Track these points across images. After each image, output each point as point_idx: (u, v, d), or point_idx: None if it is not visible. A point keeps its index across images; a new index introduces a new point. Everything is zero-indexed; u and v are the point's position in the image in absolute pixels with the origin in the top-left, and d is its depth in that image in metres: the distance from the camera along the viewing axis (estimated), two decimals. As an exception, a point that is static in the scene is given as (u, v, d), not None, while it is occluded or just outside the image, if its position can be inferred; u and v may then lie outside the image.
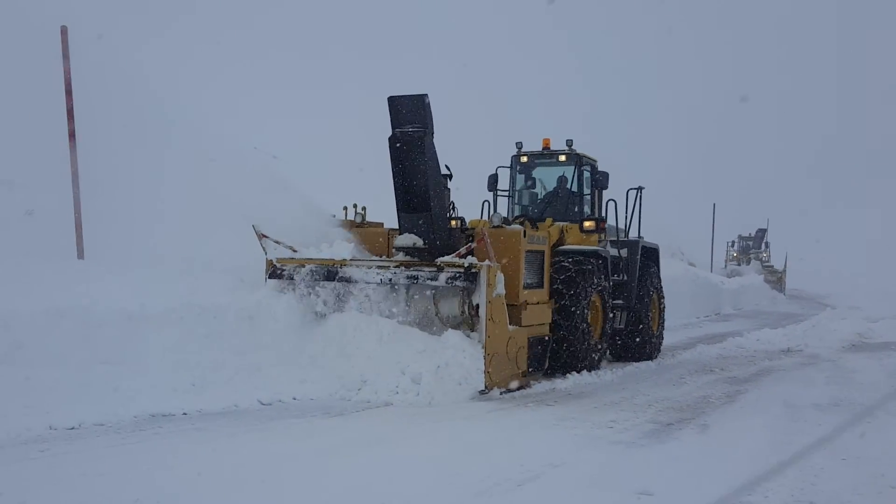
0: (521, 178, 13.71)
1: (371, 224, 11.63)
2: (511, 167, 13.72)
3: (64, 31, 10.35)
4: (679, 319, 23.32)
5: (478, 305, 9.36)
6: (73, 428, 6.95)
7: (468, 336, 9.46)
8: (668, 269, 25.96)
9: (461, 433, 7.39)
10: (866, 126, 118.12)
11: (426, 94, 9.79)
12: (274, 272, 10.39)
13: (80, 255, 10.52)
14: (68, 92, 10.30)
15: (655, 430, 7.77)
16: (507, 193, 13.75)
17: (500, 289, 9.48)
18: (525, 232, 10.51)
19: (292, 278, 10.20)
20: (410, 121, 9.84)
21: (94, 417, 7.19)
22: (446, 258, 9.62)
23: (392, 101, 9.95)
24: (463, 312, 9.62)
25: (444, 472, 6.03)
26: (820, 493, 5.80)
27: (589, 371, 11.37)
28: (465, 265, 9.39)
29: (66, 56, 10.32)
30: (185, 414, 7.70)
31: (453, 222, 10.79)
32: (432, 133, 9.89)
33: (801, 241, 54.53)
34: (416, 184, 9.97)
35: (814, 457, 6.88)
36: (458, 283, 9.37)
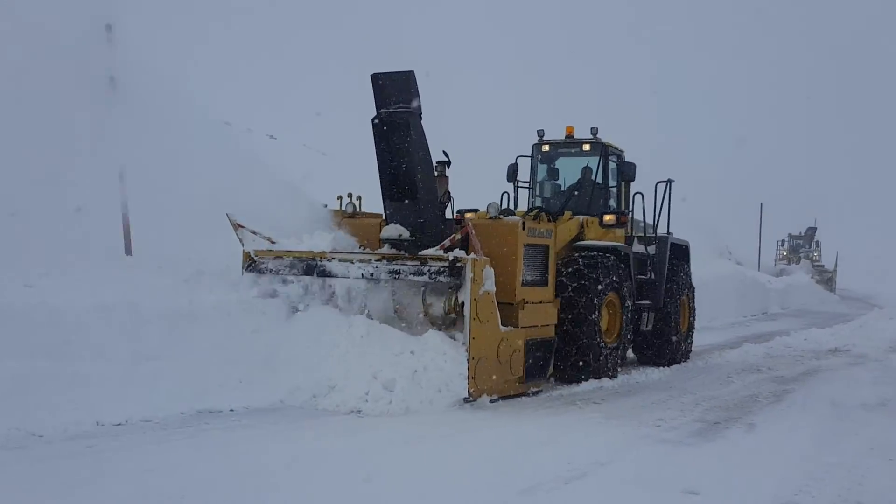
0: (542, 169, 12.37)
1: (366, 215, 10.41)
2: (532, 157, 12.40)
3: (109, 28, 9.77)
4: (726, 318, 22.73)
5: (463, 303, 8.15)
6: (119, 424, 6.74)
7: (452, 338, 8.23)
8: (715, 268, 25.71)
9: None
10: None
11: (412, 71, 8.62)
12: (251, 265, 9.30)
13: (128, 250, 10.20)
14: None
15: (703, 429, 7.55)
16: (527, 185, 12.48)
17: (489, 285, 8.21)
18: (524, 224, 9.15)
19: (270, 272, 9.15)
20: (396, 100, 8.65)
21: (141, 413, 6.98)
22: (429, 251, 8.39)
23: (376, 78, 8.75)
24: (448, 311, 8.39)
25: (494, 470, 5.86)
26: (867, 492, 5.59)
27: (598, 377, 10.05)
28: (450, 259, 8.12)
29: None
30: (232, 410, 7.45)
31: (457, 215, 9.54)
32: (420, 113, 8.67)
33: (852, 241, 53.52)
34: (402, 169, 8.75)
35: (861, 457, 6.66)
36: (441, 278, 8.14)
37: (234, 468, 5.67)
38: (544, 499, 5.22)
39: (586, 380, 9.96)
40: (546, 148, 12.31)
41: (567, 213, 11.13)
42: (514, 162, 12.34)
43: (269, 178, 9.97)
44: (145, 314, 8.04)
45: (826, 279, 42.61)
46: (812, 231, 51.38)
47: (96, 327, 7.65)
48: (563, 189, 12.29)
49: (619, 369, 10.76)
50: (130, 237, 10.36)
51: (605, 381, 10.17)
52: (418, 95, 8.67)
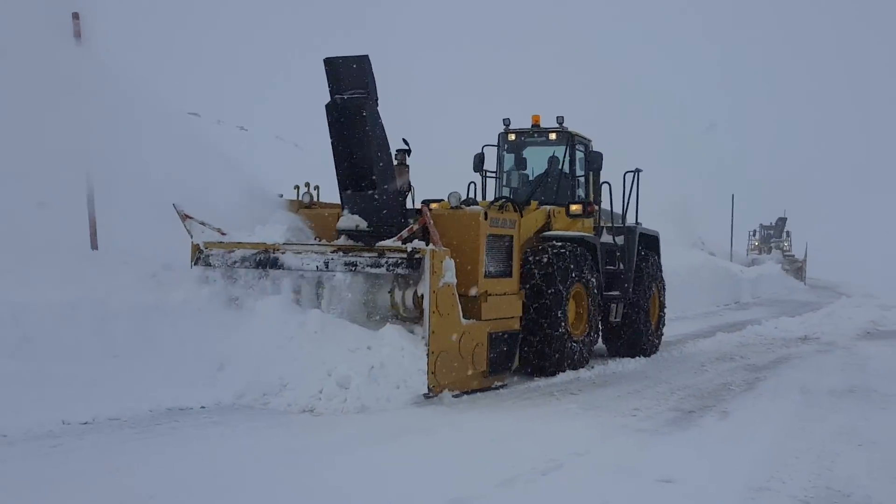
0: (509, 158, 12.10)
1: (324, 205, 10.05)
2: (498, 146, 12.12)
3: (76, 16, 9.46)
4: (699, 308, 22.83)
5: (422, 296, 7.83)
6: (86, 423, 6.50)
7: (412, 332, 7.92)
8: (688, 259, 25.90)
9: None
10: (886, 114, 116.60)
11: (367, 55, 8.33)
12: (201, 258, 8.90)
13: (94, 245, 9.93)
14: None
15: (678, 418, 7.59)
16: (495, 175, 12.21)
17: (449, 277, 7.93)
18: (486, 214, 8.81)
19: (220, 264, 8.74)
20: (351, 86, 8.35)
21: (109, 412, 6.74)
22: (386, 242, 8.08)
23: (329, 62, 8.43)
24: (406, 304, 8.08)
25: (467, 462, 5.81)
26: (836, 478, 5.68)
27: (564, 370, 9.90)
28: (408, 250, 7.82)
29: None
30: (203, 407, 7.21)
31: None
32: (376, 100, 8.35)
33: (822, 231, 54.12)
34: (358, 158, 8.46)
35: (830, 442, 6.74)
36: (399, 270, 7.83)
37: (205, 467, 5.55)
38: (522, 490, 5.22)
39: (553, 374, 9.76)
40: (512, 137, 12.05)
41: (533, 203, 10.91)
42: (480, 151, 12.09)
43: (226, 168, 9.67)
44: (112, 310, 7.88)
45: (796, 269, 43.04)
46: (782, 221, 51.82)
47: (61, 324, 7.50)
48: (530, 179, 12.06)
49: (588, 361, 10.56)
50: (96, 232, 10.07)
51: (582, 372, 10.10)
52: (374, 80, 8.36)
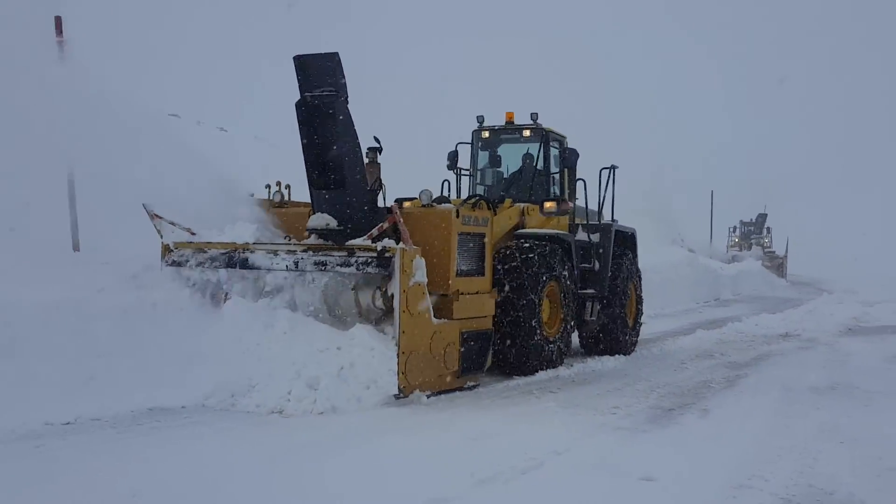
0: (483, 156, 12.03)
1: (295, 204, 9.98)
2: (472, 143, 12.04)
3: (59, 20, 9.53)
4: (679, 305, 22.92)
5: (392, 296, 7.78)
6: (69, 423, 6.58)
7: (382, 332, 7.89)
8: (668, 255, 25.93)
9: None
10: (867, 110, 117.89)
11: (337, 53, 8.26)
12: (171, 257, 8.86)
13: (76, 247, 10.01)
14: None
15: (658, 416, 7.59)
16: (469, 172, 12.12)
17: (420, 276, 7.87)
18: (458, 212, 8.77)
19: (190, 264, 8.69)
20: (321, 83, 8.27)
21: (91, 412, 6.81)
22: (356, 241, 8.03)
23: (299, 60, 8.36)
24: (376, 304, 8.05)
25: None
26: (819, 475, 5.68)
27: (537, 371, 9.79)
28: (378, 249, 7.76)
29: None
30: (183, 407, 7.26)
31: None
32: (346, 97, 8.29)
33: (802, 227, 54.40)
34: (329, 156, 8.38)
35: (812, 440, 6.73)
36: (369, 269, 7.75)
37: (186, 466, 5.56)
38: (502, 489, 5.20)
39: (530, 373, 9.68)
40: (486, 134, 11.98)
41: (507, 201, 10.84)
42: (454, 149, 12.02)
43: (199, 168, 9.56)
44: (93, 311, 7.87)
45: (777, 265, 43.15)
46: (763, 217, 51.97)
47: (44, 325, 7.50)
48: (504, 176, 12.00)
49: (563, 360, 10.47)
50: (77, 233, 10.11)
51: (561, 370, 10.06)
52: (344, 78, 8.29)
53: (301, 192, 9.76)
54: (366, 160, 8.75)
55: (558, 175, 11.85)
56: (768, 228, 50.84)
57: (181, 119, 29.39)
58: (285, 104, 8.62)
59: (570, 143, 12.12)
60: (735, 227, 51.27)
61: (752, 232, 50.93)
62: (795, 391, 9.18)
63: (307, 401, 7.23)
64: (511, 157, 12.01)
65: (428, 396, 7.95)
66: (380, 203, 9.01)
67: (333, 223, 8.41)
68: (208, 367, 7.68)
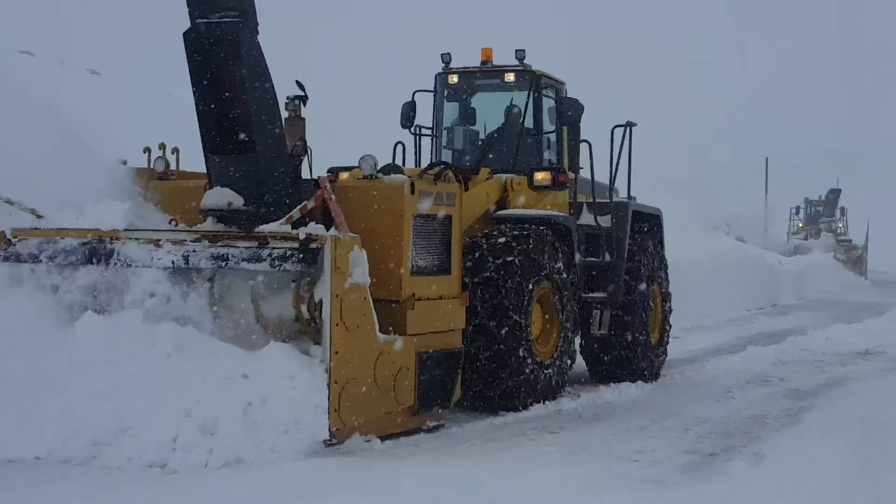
0: (451, 109, 11.96)
1: (185, 175, 9.88)
2: (435, 92, 11.90)
3: None
4: (724, 313, 23.35)
5: (321, 302, 7.62)
6: None
7: (306, 354, 7.71)
8: (709, 245, 26.14)
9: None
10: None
11: None
12: (7, 250, 8.57)
13: None
14: None
15: (694, 464, 7.68)
16: (431, 132, 12.04)
17: (360, 275, 7.70)
18: (414, 186, 8.57)
19: (35, 259, 8.40)
20: (220, 7, 8.02)
21: None
22: (271, 226, 7.84)
23: None
24: (300, 314, 7.83)
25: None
26: None
27: (525, 405, 9.74)
28: (301, 237, 7.52)
29: None
30: (38, 459, 7.14)
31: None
32: (256, 25, 8.10)
33: (886, 208, 54.81)
34: (230, 107, 8.20)
35: None
36: (288, 266, 7.52)
37: None
38: None
39: (513, 409, 9.67)
40: (455, 79, 11.86)
41: (484, 171, 10.80)
42: (410, 100, 11.96)
43: (55, 125, 9.23)
44: None
45: (854, 258, 43.70)
46: (835, 194, 52.45)
47: None
48: (480, 137, 11.97)
49: (561, 389, 10.50)
50: None
51: (564, 402, 10.18)
52: (253, 3, 8.14)
53: (194, 160, 9.51)
54: (284, 113, 8.65)
55: (554, 135, 11.86)
56: (842, 209, 51.31)
57: (35, 58, 29.03)
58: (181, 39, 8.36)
59: (572, 93, 12.08)
60: (798, 208, 51.71)
61: (822, 214, 51.34)
62: (879, 429, 9.20)
63: (200, 450, 7.08)
64: (489, 111, 11.96)
65: (374, 441, 7.91)
66: (304, 174, 8.89)
67: (238, 201, 8.24)
68: (61, 403, 7.50)
